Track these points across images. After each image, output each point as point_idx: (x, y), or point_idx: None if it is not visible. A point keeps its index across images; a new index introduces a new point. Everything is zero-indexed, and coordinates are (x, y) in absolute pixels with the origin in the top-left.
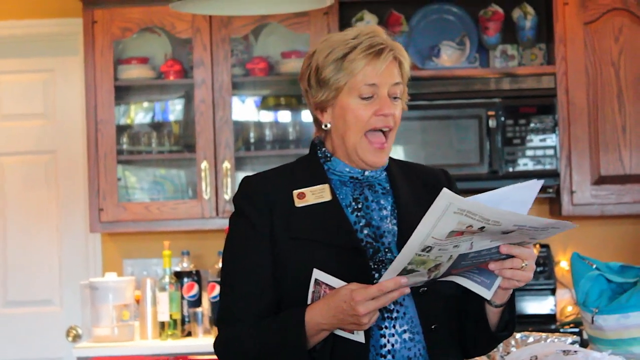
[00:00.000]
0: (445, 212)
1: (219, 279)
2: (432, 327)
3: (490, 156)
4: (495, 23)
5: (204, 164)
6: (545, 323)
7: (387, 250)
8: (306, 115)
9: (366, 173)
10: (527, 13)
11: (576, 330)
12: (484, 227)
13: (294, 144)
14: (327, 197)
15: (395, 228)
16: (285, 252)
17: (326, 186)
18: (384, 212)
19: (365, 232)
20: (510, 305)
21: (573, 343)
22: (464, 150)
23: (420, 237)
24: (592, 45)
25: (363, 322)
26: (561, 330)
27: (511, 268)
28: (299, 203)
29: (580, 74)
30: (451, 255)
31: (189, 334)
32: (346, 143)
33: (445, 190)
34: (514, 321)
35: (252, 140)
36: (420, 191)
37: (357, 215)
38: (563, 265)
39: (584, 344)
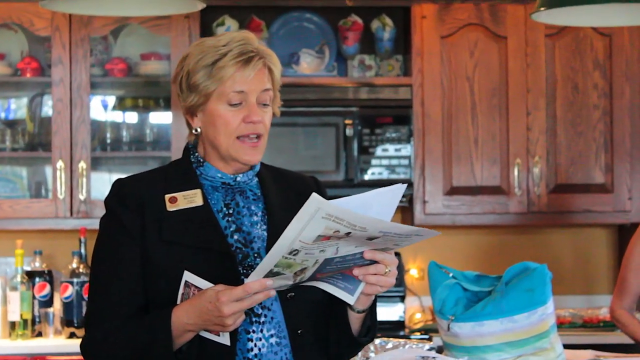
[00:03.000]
0: (314, 216)
1: (71, 279)
2: (299, 331)
3: (346, 164)
4: (354, 33)
5: (59, 164)
6: (394, 329)
7: (256, 255)
8: (164, 117)
9: (238, 179)
10: (386, 25)
11: (425, 336)
12: (350, 233)
13: (151, 145)
14: (199, 202)
15: (265, 234)
16: (157, 255)
17: (198, 191)
18: (255, 218)
19: (236, 237)
20: (372, 311)
21: (430, 349)
22: (321, 157)
23: (287, 240)
24: (448, 58)
25: (227, 323)
26: (411, 337)
27: (375, 274)
28: (170, 207)
29: (435, 86)
30: (317, 260)
31: (40, 334)
32: (218, 148)
33: (314, 195)
34: (376, 327)
35: (108, 141)
36: (291, 198)
37: (227, 221)
38: (413, 273)
39: (438, 350)
